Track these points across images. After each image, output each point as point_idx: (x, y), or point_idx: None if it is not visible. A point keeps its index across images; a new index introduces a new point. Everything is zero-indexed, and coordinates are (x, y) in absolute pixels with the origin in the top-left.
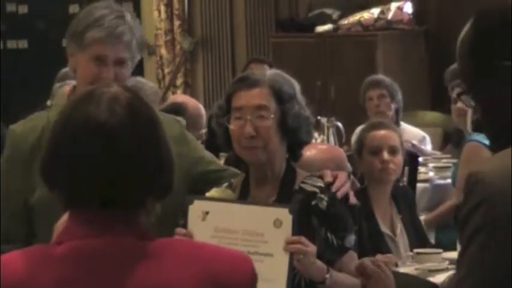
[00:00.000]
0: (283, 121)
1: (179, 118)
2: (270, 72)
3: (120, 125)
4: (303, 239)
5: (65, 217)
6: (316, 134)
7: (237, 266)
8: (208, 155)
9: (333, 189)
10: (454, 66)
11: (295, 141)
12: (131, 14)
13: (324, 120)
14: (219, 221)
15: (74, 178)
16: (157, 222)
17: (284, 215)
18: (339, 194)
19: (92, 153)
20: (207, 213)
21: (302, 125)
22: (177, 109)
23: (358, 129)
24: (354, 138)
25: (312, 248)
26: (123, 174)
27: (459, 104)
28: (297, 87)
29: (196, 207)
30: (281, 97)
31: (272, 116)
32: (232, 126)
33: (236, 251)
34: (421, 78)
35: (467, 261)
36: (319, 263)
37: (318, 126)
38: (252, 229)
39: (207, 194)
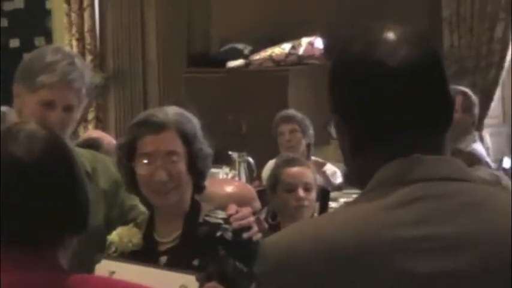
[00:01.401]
0: (193, 163)
1: None
2: (171, 111)
3: (36, 162)
4: None
5: None
6: (227, 169)
7: None
8: (140, 205)
9: (231, 219)
10: None
11: (200, 178)
12: (79, 58)
13: (235, 155)
14: None
15: None
16: (76, 258)
17: (190, 281)
18: (235, 225)
19: (6, 191)
20: (113, 273)
21: (208, 165)
22: (92, 144)
23: (269, 164)
24: (265, 173)
25: None
26: (38, 211)
27: None
28: (197, 124)
29: (102, 267)
30: (187, 138)
31: (182, 159)
32: (141, 172)
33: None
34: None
35: None
36: None
37: (229, 161)
38: None
39: (113, 233)
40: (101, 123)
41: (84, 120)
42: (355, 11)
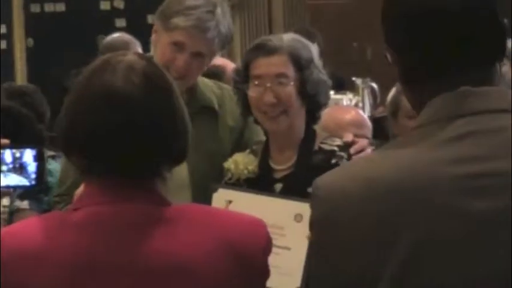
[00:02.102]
0: (303, 87)
1: None
2: (287, 37)
3: (135, 92)
4: None
5: (82, 186)
6: (351, 95)
7: (251, 230)
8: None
9: (351, 151)
10: None
11: (314, 105)
12: (223, 7)
13: (358, 81)
14: (240, 211)
15: (91, 146)
16: (191, 192)
17: (305, 209)
18: (355, 158)
19: (108, 122)
20: (230, 202)
21: (321, 90)
22: (216, 72)
23: (393, 90)
24: (389, 99)
25: None
26: (139, 141)
27: None
28: (315, 50)
29: (220, 196)
30: (300, 63)
31: (292, 83)
32: (252, 93)
33: (251, 216)
34: None
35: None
36: None
37: (353, 87)
38: (273, 222)
39: (229, 159)
40: (226, 51)
41: None
42: None
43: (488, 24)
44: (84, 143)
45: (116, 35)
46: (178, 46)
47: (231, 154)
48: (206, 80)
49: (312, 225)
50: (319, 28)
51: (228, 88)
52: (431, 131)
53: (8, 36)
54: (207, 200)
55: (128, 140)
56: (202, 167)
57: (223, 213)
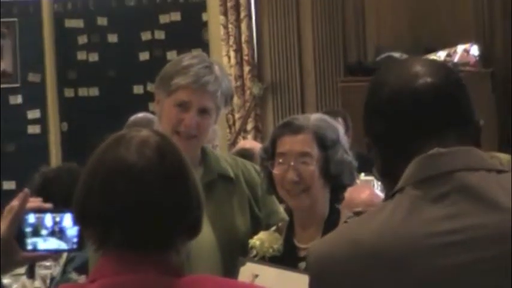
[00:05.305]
0: (326, 167)
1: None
2: (314, 117)
3: (149, 167)
4: None
5: None
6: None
7: None
8: (282, 211)
9: None
10: None
11: (337, 185)
12: (220, 66)
13: None
14: (267, 285)
15: (105, 219)
16: (221, 257)
17: None
18: None
19: (122, 195)
20: (256, 276)
21: (344, 171)
22: (244, 155)
23: None
24: None
25: None
26: (152, 215)
27: None
28: (341, 131)
29: (247, 269)
30: (324, 143)
31: (315, 162)
32: (276, 171)
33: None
34: (488, 119)
35: None
36: None
37: None
38: None
39: (255, 237)
40: (259, 133)
41: (243, 130)
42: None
43: (461, 114)
44: (99, 217)
45: (140, 114)
46: (183, 106)
47: (250, 221)
48: (217, 152)
49: (309, 286)
50: (351, 110)
51: (240, 159)
52: (407, 194)
53: (43, 121)
54: (234, 268)
55: (141, 214)
56: (224, 234)
57: (235, 284)
